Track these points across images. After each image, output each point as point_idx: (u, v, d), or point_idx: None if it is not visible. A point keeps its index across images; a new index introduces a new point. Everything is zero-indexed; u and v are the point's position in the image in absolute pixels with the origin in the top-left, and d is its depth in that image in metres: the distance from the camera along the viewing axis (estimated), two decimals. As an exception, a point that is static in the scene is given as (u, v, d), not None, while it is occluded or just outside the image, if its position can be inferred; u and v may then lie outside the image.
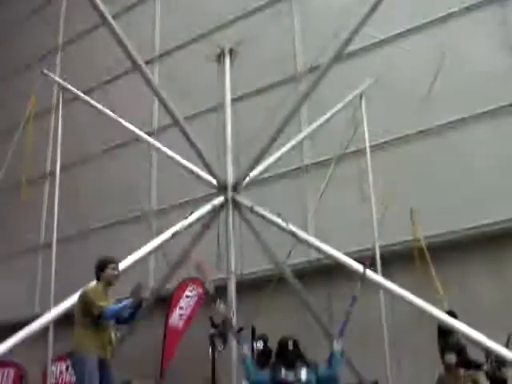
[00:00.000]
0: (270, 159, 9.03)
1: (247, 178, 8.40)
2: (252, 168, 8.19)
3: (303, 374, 5.64)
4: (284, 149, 9.25)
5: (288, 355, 5.80)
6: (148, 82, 7.48)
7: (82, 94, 10.91)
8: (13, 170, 10.54)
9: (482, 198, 9.65)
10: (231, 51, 9.28)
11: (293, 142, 9.50)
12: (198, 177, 9.07)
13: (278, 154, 9.09)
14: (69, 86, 10.82)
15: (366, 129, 10.30)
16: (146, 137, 10.58)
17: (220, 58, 9.31)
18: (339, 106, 9.99)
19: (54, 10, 18.20)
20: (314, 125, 9.94)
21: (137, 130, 10.23)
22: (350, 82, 10.68)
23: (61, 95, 10.94)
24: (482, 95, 10.16)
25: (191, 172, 9.26)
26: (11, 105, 16.15)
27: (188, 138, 7.65)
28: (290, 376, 5.63)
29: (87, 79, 14.39)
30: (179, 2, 14.82)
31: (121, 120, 9.93)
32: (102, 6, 7.29)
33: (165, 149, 9.85)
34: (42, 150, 15.51)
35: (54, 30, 17.75)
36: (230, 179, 8.41)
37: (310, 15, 12.77)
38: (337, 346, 6.01)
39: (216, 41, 9.89)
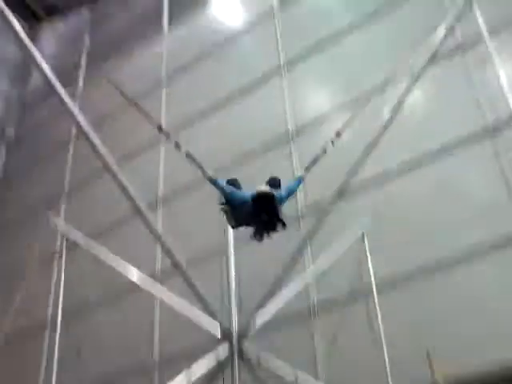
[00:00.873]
0: (277, 301, 8.89)
1: (252, 327, 8.24)
2: (257, 314, 8.06)
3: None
4: (289, 293, 9.13)
5: None
6: (151, 229, 7.57)
7: (86, 242, 10.97)
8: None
9: (495, 335, 9.34)
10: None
11: (298, 288, 9.41)
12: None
13: (282, 301, 8.97)
14: (72, 234, 10.92)
15: (371, 269, 10.20)
16: (148, 283, 10.49)
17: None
18: (341, 247, 9.96)
19: (60, 157, 18.79)
20: (317, 269, 9.88)
21: (140, 274, 10.19)
22: (351, 218, 10.77)
23: (64, 242, 11.05)
24: (481, 228, 10.18)
25: (194, 320, 9.08)
26: (14, 250, 16.28)
27: (191, 286, 7.59)
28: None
29: (91, 224, 14.56)
30: (184, 143, 15.26)
31: (123, 268, 9.92)
32: (105, 154, 7.54)
33: (167, 295, 9.74)
34: (42, 297, 15.32)
35: (59, 176, 18.23)
36: (235, 328, 8.22)
37: (309, 156, 13.09)
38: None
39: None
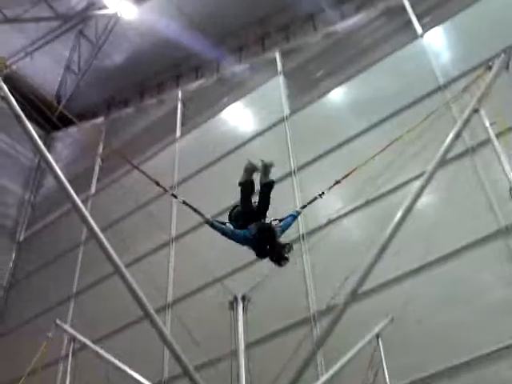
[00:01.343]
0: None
1: None
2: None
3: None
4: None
5: None
6: (160, 333, 7.44)
7: (93, 345, 10.78)
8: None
9: None
10: (244, 297, 9.35)
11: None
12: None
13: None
14: (80, 337, 10.76)
15: (385, 371, 9.86)
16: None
17: (233, 304, 9.35)
18: (355, 348, 9.72)
19: (70, 259, 18.83)
20: (332, 371, 9.57)
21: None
22: (365, 320, 10.56)
23: (71, 346, 10.87)
24: (494, 331, 9.97)
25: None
26: (21, 352, 15.98)
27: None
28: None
29: (98, 327, 14.38)
30: (193, 249, 15.31)
31: (131, 372, 9.68)
32: (114, 256, 7.57)
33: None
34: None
35: (69, 278, 18.21)
36: None
37: (321, 256, 13.10)
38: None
39: (228, 287, 10.04)
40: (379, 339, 10.05)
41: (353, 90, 16.12)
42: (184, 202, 7.50)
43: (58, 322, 11.17)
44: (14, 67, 20.66)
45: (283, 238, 7.02)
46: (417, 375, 10.45)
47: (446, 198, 11.92)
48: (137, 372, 9.94)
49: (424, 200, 11.19)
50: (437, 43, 15.14)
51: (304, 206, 8.02)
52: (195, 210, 7.35)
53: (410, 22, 16.01)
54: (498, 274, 10.68)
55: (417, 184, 8.26)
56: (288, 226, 7.32)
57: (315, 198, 8.09)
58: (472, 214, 11.49)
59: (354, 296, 7.69)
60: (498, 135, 9.53)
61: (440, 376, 10.18)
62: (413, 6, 16.29)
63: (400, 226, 7.81)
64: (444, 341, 10.01)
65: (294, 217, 7.54)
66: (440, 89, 13.71)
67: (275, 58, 18.92)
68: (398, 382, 10.22)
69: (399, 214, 7.89)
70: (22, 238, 22.84)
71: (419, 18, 15.89)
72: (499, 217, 11.11)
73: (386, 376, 9.83)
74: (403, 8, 16.47)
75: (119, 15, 20.74)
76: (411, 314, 10.71)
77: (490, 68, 9.11)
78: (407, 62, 15.14)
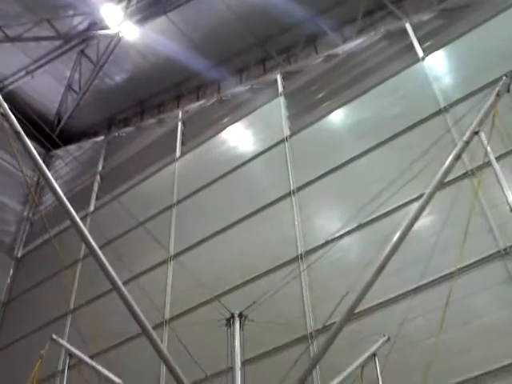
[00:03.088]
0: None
1: None
2: None
3: None
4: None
5: None
6: (157, 349, 7.47)
7: (89, 360, 10.73)
8: None
9: None
10: (241, 315, 9.34)
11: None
12: None
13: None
14: (76, 352, 10.72)
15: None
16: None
17: (229, 321, 9.33)
18: (352, 367, 9.68)
19: (67, 276, 18.78)
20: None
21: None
22: (361, 340, 10.54)
23: (68, 360, 10.82)
24: (491, 353, 10.00)
25: None
26: (17, 367, 15.91)
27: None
28: None
29: (96, 343, 14.30)
30: (191, 267, 15.30)
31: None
32: (112, 273, 7.61)
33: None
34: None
35: (65, 295, 18.16)
36: None
37: (319, 275, 13.12)
38: None
39: (225, 304, 10.01)
40: (376, 358, 10.03)
41: (353, 113, 16.26)
42: None
43: (54, 336, 11.12)
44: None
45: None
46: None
47: (444, 219, 11.96)
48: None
49: (423, 221, 11.27)
50: (438, 66, 15.32)
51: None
52: None
53: (411, 45, 16.25)
54: (495, 295, 10.71)
55: (415, 206, 8.32)
56: None
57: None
58: (471, 236, 11.51)
59: (351, 315, 7.70)
60: (497, 158, 9.66)
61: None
62: (414, 30, 16.55)
63: (398, 246, 7.85)
64: (440, 361, 9.97)
65: None
66: (441, 112, 13.85)
67: (276, 80, 19.14)
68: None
69: (397, 235, 7.93)
70: (20, 255, 22.85)
71: (420, 42, 16.12)
72: (498, 239, 11.16)
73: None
74: (405, 31, 16.72)
75: (121, 35, 20.96)
76: (408, 334, 10.70)
77: (497, 93, 9.20)
78: (408, 85, 15.31)
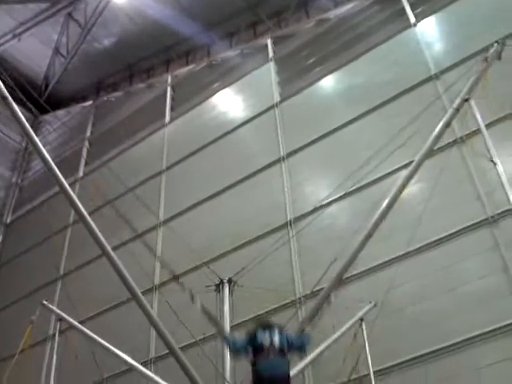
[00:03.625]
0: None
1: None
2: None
3: (276, 338, 6.32)
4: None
5: None
6: (146, 314, 7.51)
7: (79, 325, 10.81)
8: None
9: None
10: (230, 281, 9.41)
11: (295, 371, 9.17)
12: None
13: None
14: (67, 317, 10.79)
15: (368, 355, 9.97)
16: (141, 368, 10.27)
17: (219, 287, 9.41)
18: (339, 332, 9.81)
19: (57, 241, 18.79)
20: (315, 353, 9.65)
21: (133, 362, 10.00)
22: (349, 305, 10.66)
23: (58, 326, 10.91)
24: (478, 318, 10.16)
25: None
26: (9, 332, 16.03)
27: (185, 370, 7.41)
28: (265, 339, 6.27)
29: (86, 308, 14.40)
30: (180, 232, 15.33)
31: (117, 352, 9.73)
32: (102, 239, 7.60)
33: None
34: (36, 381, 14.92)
35: (55, 260, 18.18)
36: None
37: (308, 241, 13.20)
38: None
39: (215, 270, 10.09)
40: (363, 323, 10.17)
41: (343, 79, 16.17)
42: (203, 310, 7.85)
43: (45, 302, 11.18)
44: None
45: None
46: (398, 359, 10.62)
47: (433, 187, 12.00)
48: (123, 352, 9.98)
49: (412, 189, 11.30)
50: (430, 33, 15.20)
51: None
52: (217, 325, 7.69)
53: (403, 10, 16.06)
54: (482, 262, 10.83)
55: (404, 173, 8.34)
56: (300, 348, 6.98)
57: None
58: (459, 204, 11.61)
59: (339, 281, 7.76)
60: (487, 125, 9.65)
61: (421, 360, 10.32)
62: (406, -5, 16.33)
63: (386, 213, 7.90)
64: (426, 327, 10.13)
65: (307, 341, 7.20)
66: (432, 78, 13.79)
67: (266, 45, 18.95)
68: (380, 365, 10.38)
69: (385, 202, 7.97)
70: (9, 221, 22.80)
71: (412, 8, 15.94)
72: (486, 206, 11.23)
73: (369, 359, 9.97)
74: (397, -4, 16.51)
75: (109, -2, 20.54)
76: (395, 300, 10.83)
77: (486, 59, 9.17)
78: (399, 51, 15.20)
